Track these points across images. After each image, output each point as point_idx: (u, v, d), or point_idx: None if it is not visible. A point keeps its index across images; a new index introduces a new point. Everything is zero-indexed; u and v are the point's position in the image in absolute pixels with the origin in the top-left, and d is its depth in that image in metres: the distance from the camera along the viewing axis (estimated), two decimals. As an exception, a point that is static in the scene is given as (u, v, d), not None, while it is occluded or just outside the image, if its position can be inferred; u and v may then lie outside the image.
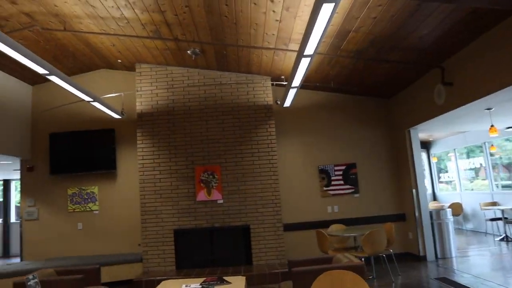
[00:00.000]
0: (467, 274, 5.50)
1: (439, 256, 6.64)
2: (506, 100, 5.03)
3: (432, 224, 6.72)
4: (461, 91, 5.00)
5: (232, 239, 6.62)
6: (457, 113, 5.56)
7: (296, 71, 4.62)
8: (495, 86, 4.32)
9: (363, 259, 5.71)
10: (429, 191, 11.49)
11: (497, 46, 4.23)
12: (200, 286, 3.61)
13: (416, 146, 6.82)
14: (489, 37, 4.36)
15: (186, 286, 3.66)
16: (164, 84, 6.87)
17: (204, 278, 3.92)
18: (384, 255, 5.64)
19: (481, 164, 9.74)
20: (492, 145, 8.77)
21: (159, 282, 5.51)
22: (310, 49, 3.92)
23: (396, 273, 5.77)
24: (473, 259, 6.52)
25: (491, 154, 9.14)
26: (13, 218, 11.16)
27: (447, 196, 10.80)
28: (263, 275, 5.78)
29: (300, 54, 4.08)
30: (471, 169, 10.17)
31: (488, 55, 4.40)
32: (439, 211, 6.81)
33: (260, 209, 6.56)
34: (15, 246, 10.56)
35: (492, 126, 6.61)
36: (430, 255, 6.53)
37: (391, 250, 5.67)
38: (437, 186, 11.44)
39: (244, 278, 3.90)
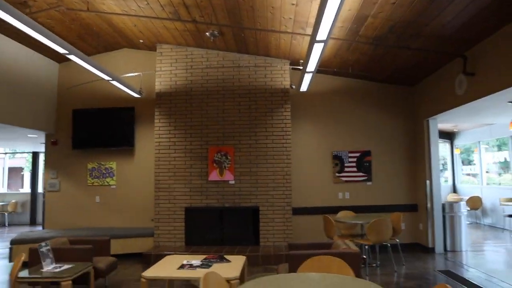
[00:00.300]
0: (474, 269, 5.44)
1: (448, 249, 6.56)
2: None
3: (444, 216, 6.63)
4: (482, 82, 4.83)
5: (241, 220, 6.77)
6: (478, 104, 5.38)
7: (309, 56, 4.60)
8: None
9: (367, 246, 5.75)
10: (450, 182, 11.24)
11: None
12: (200, 262, 3.76)
13: (434, 136, 6.68)
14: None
15: (187, 261, 3.82)
16: (183, 65, 6.97)
17: (206, 256, 4.07)
18: (389, 244, 5.63)
19: (505, 158, 9.41)
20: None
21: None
22: (322, 34, 3.87)
23: (401, 263, 5.77)
24: (485, 255, 6.41)
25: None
26: (40, 188, 11.72)
27: (468, 189, 10.53)
28: (268, 256, 5.91)
29: (313, 40, 4.05)
30: (500, 162, 9.82)
31: None
32: (452, 204, 6.69)
33: (271, 192, 6.65)
34: (41, 215, 11.14)
35: (514, 120, 6.37)
36: (439, 247, 6.47)
37: (397, 240, 5.65)
38: (458, 178, 11.17)
39: (244, 257, 4.02)
